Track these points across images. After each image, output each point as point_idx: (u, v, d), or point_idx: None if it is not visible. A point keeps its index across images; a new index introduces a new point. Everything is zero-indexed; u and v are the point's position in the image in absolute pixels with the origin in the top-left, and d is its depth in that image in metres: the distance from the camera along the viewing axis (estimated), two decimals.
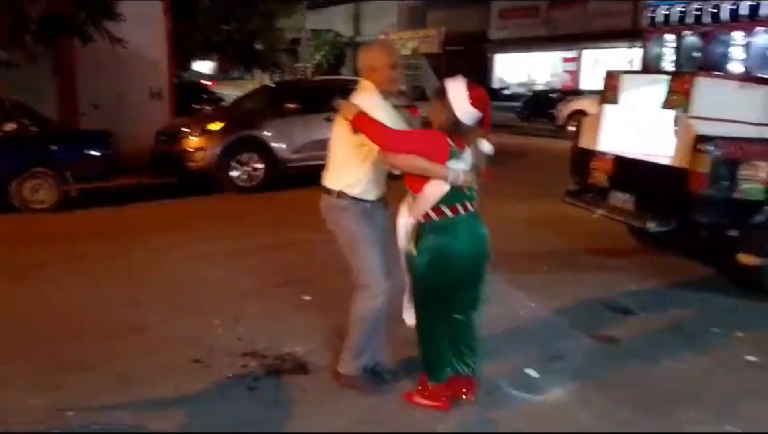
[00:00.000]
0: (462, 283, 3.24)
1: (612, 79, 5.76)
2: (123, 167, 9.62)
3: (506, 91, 27.78)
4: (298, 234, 6.93)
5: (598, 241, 6.63)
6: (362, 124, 3.15)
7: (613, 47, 23.94)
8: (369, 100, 3.36)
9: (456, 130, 3.10)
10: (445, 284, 3.20)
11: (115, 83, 12.07)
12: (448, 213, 3.12)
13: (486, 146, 3.19)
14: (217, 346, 4.15)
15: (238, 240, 6.76)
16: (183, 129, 9.75)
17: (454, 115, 3.07)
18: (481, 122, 3.16)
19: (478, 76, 30.30)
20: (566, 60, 28.05)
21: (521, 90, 27.66)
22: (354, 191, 3.42)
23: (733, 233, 5.10)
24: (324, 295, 5.02)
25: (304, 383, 3.68)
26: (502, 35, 29.37)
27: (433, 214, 3.14)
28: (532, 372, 3.84)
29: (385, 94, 3.45)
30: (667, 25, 5.87)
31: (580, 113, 18.36)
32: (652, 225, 5.05)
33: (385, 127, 3.16)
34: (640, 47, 6.39)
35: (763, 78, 4.98)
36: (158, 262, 6.03)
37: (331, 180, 3.49)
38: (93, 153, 8.65)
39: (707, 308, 4.95)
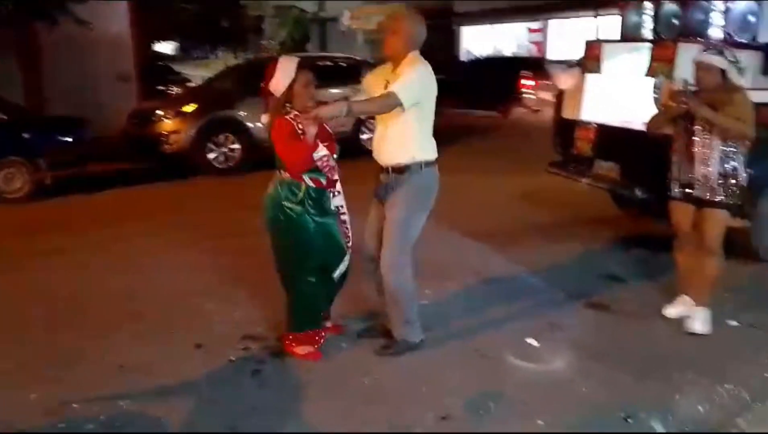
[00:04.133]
0: None
1: (593, 48, 5.78)
2: (94, 152, 9.40)
3: None
4: None
5: (582, 211, 6.71)
6: None
7: (578, 17, 24.00)
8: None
9: None
10: None
11: (80, 67, 11.78)
12: None
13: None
14: (215, 331, 4.11)
15: (223, 224, 6.66)
16: (157, 111, 9.54)
17: None
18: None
19: (446, 49, 30.22)
20: (532, 30, 28.05)
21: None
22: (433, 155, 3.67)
23: None
24: None
25: (308, 364, 3.67)
26: (468, 8, 29.23)
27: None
28: (533, 342, 3.90)
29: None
30: None
31: None
32: (639, 193, 5.11)
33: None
34: (618, 15, 6.31)
35: (743, 43, 5.03)
36: (145, 249, 5.91)
37: (414, 152, 3.57)
38: (67, 139, 8.41)
39: None
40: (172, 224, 6.75)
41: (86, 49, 11.87)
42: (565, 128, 5.99)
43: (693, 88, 3.90)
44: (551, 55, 25.34)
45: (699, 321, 4.00)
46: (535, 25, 27.50)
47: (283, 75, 3.37)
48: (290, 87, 3.38)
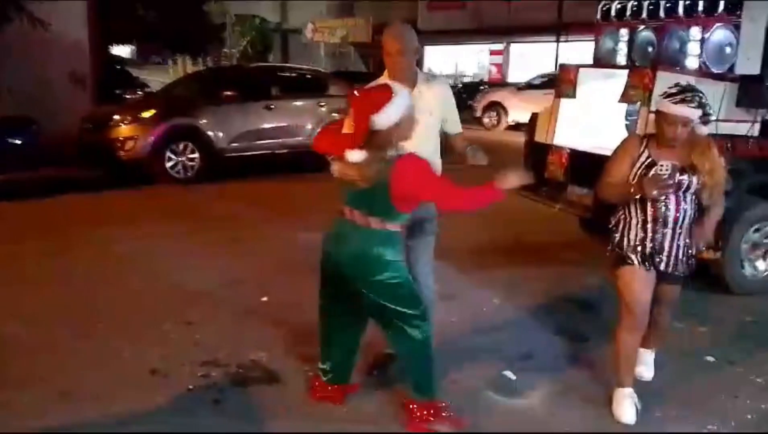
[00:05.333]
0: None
1: (567, 72, 5.72)
2: (45, 156, 8.96)
3: None
4: (244, 229, 6.64)
5: (548, 234, 6.63)
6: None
7: (539, 41, 24.38)
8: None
9: None
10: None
11: (33, 67, 11.27)
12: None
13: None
14: (172, 355, 3.83)
15: (181, 236, 6.37)
16: (113, 116, 9.15)
17: None
18: None
19: None
20: (493, 53, 28.40)
21: (449, 82, 27.90)
22: None
23: None
24: (282, 295, 4.77)
25: (273, 394, 3.43)
26: (431, 26, 29.42)
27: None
28: (510, 374, 3.74)
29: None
30: (620, 19, 5.87)
31: (496, 105, 18.90)
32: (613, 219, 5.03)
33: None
34: (592, 40, 6.31)
35: (718, 74, 5.04)
36: (98, 261, 5.58)
37: None
38: (16, 141, 7.98)
39: None
40: (125, 235, 6.41)
41: (41, 50, 11.37)
42: (537, 152, 5.91)
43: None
44: (512, 77, 25.72)
45: (649, 367, 3.67)
46: (496, 47, 27.85)
47: (399, 106, 2.81)
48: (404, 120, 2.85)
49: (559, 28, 21.92)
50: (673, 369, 3.90)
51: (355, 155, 2.80)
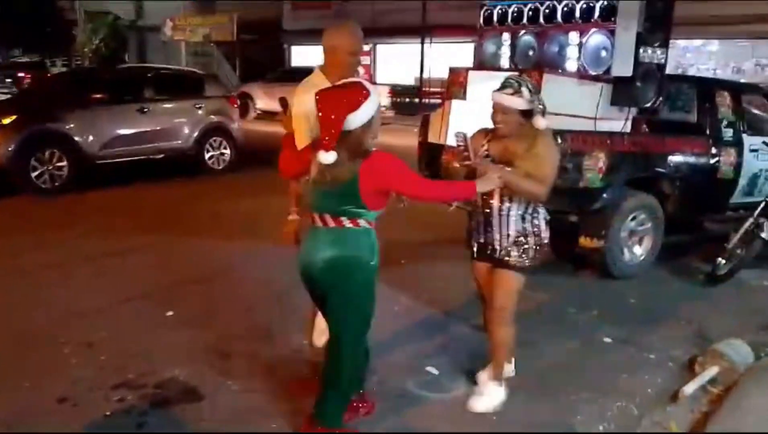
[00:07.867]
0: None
1: (458, 75, 5.91)
2: None
3: None
4: (132, 239, 6.28)
5: (440, 231, 6.82)
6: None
7: (404, 43, 24.94)
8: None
9: None
10: None
11: None
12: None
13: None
14: (79, 380, 3.56)
15: (64, 250, 5.89)
16: None
17: None
18: None
19: (275, 67, 29.89)
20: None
21: None
22: None
23: (574, 219, 5.54)
24: (186, 307, 4.58)
25: (199, 412, 3.29)
26: (297, 26, 29.25)
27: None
28: (433, 370, 3.84)
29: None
30: (502, 24, 6.15)
31: (245, 95, 19.61)
32: None
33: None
34: (475, 44, 6.56)
35: (597, 75, 5.42)
36: None
37: None
38: None
39: (560, 290, 5.31)
40: None
41: None
42: (431, 152, 6.07)
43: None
44: (379, 78, 26.14)
45: (483, 399, 3.46)
46: (363, 48, 28.12)
47: (373, 104, 2.75)
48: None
49: (424, 31, 22.62)
50: (577, 352, 4.18)
51: (330, 156, 2.66)
